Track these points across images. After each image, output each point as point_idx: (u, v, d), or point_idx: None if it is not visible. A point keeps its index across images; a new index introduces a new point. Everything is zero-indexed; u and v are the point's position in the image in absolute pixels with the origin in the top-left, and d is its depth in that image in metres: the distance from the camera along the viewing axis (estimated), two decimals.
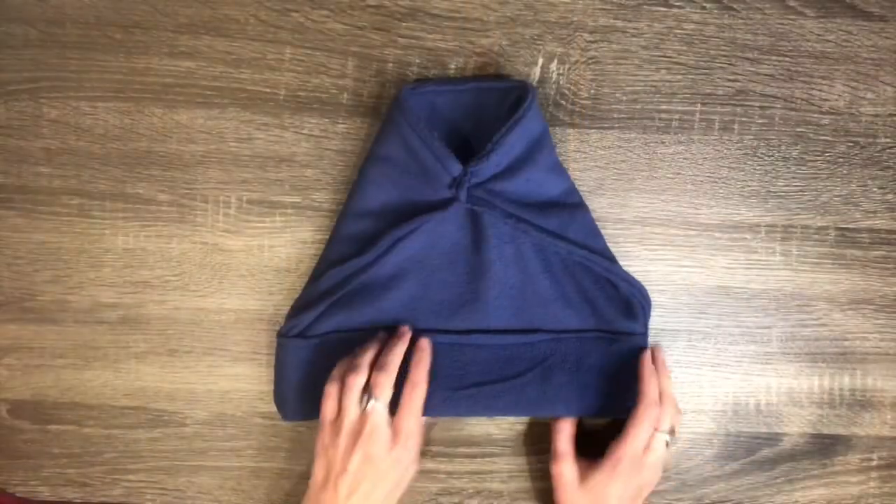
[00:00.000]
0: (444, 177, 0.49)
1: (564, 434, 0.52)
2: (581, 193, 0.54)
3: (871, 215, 0.55)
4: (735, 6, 0.54)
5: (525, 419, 0.56)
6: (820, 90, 0.55)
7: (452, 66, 0.54)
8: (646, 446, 0.49)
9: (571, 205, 0.53)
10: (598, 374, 0.53)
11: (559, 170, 0.52)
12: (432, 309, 0.53)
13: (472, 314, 0.53)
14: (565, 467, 0.51)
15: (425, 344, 0.51)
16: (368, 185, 0.52)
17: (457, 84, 0.52)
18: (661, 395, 0.50)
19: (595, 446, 0.51)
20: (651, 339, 0.55)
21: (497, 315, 0.53)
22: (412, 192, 0.51)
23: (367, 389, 0.48)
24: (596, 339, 0.53)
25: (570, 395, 0.52)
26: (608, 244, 0.54)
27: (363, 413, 0.47)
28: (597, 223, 0.54)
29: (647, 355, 0.52)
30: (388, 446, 0.47)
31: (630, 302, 0.52)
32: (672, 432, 0.50)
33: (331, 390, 0.49)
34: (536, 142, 0.50)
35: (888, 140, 0.55)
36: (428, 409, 0.50)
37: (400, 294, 0.52)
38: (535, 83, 0.54)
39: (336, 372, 0.49)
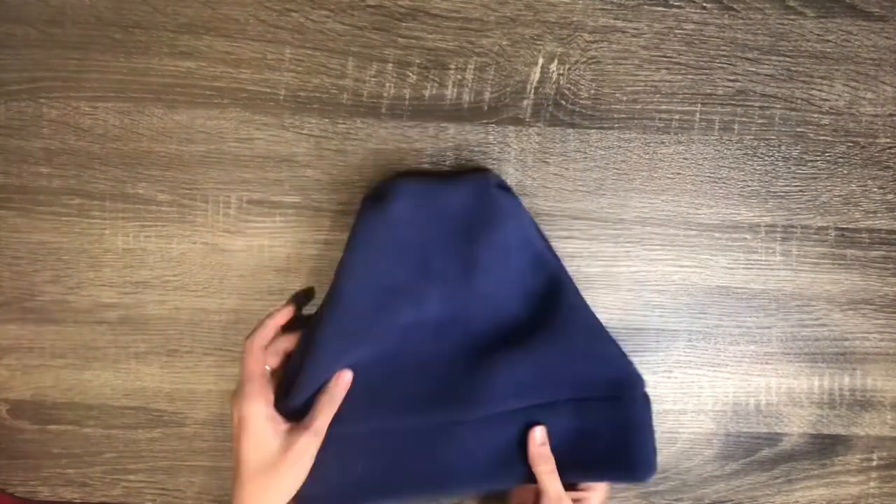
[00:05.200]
0: None
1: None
2: (581, 193, 0.54)
3: (871, 215, 0.55)
4: (735, 6, 0.54)
5: None
6: (820, 90, 0.55)
7: (452, 66, 0.54)
8: None
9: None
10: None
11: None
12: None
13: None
14: None
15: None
16: None
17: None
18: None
19: None
20: (651, 340, 0.55)
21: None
22: None
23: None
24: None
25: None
26: (608, 245, 0.54)
27: None
28: (596, 223, 0.54)
29: (535, 438, 0.49)
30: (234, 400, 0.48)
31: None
32: None
33: None
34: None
35: (888, 140, 0.55)
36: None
37: None
38: (534, 83, 0.54)
39: None
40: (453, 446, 0.49)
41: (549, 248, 0.54)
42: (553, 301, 0.52)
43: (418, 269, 0.51)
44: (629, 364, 0.50)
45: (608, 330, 0.51)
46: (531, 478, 0.49)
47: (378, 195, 0.51)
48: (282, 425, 0.47)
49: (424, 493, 0.51)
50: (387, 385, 0.50)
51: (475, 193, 0.51)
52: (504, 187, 0.53)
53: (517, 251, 0.52)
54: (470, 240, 0.51)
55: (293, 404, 0.48)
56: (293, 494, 0.47)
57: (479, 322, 0.52)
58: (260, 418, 0.46)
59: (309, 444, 0.46)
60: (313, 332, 0.50)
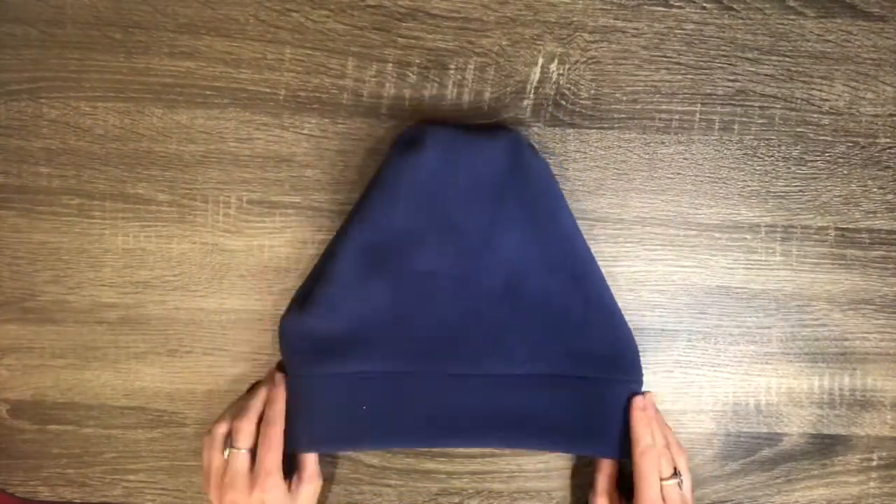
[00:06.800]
0: None
1: (604, 473, 0.52)
2: (581, 193, 0.54)
3: (871, 215, 0.55)
4: (735, 6, 0.54)
5: None
6: (820, 90, 0.55)
7: (452, 66, 0.54)
8: (661, 496, 0.49)
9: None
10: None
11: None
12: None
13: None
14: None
15: (279, 379, 0.51)
16: None
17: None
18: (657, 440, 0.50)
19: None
20: (651, 340, 0.55)
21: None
22: None
23: (229, 437, 0.49)
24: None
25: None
26: (608, 245, 0.54)
27: (226, 461, 0.48)
28: (596, 223, 0.54)
29: (637, 402, 0.51)
30: (247, 490, 0.47)
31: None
32: (676, 474, 0.50)
33: (204, 441, 0.50)
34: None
35: (888, 140, 0.55)
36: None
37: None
38: (534, 83, 0.54)
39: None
40: (460, 397, 0.50)
41: (574, 223, 0.53)
42: (575, 275, 0.52)
43: (439, 221, 0.50)
44: (636, 353, 0.52)
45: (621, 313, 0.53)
46: (530, 446, 0.52)
47: (408, 141, 0.51)
48: (288, 486, 0.49)
49: (427, 440, 0.51)
50: (398, 328, 0.51)
51: (509, 151, 0.50)
52: (534, 149, 0.52)
53: (544, 216, 0.51)
54: (496, 198, 0.50)
55: (311, 326, 0.51)
56: None
57: (495, 281, 0.51)
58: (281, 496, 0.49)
59: (310, 492, 0.51)
60: (329, 263, 0.51)
